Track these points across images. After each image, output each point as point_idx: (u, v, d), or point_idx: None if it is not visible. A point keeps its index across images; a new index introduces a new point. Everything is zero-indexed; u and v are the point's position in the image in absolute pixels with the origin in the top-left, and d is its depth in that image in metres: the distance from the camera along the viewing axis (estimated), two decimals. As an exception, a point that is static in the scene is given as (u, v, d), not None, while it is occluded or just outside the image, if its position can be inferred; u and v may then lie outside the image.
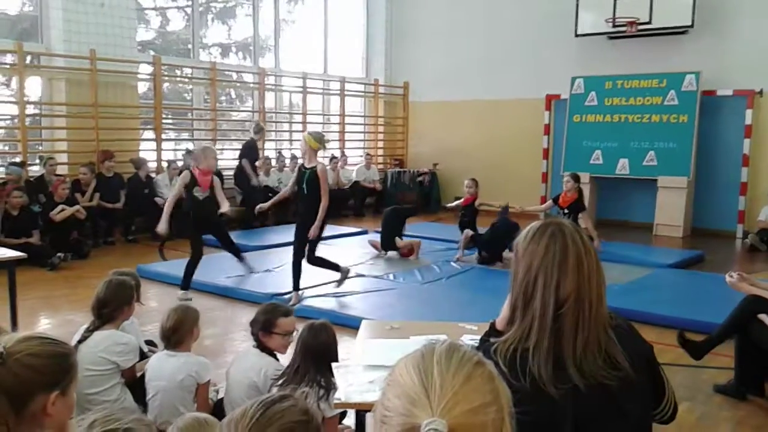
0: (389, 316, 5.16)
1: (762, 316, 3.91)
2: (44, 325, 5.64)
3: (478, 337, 2.10)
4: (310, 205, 6.00)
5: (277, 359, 3.33)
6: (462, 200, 8.66)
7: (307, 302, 6.00)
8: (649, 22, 10.73)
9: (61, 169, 9.05)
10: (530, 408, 1.58)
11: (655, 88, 10.95)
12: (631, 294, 6.18)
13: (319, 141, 6.06)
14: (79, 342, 3.42)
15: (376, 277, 7.18)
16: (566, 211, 8.25)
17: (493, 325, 2.07)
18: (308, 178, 5.96)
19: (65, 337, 3.61)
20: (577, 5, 11.45)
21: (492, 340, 1.87)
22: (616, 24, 10.98)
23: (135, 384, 3.48)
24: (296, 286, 6.17)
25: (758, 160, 10.41)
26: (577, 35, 11.58)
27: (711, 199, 10.76)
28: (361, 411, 2.72)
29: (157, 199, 9.37)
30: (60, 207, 8.10)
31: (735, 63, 10.46)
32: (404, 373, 1.06)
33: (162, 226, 6.28)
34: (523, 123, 12.53)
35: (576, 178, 8.40)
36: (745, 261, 8.86)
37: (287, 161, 11.77)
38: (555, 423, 1.71)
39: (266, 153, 11.84)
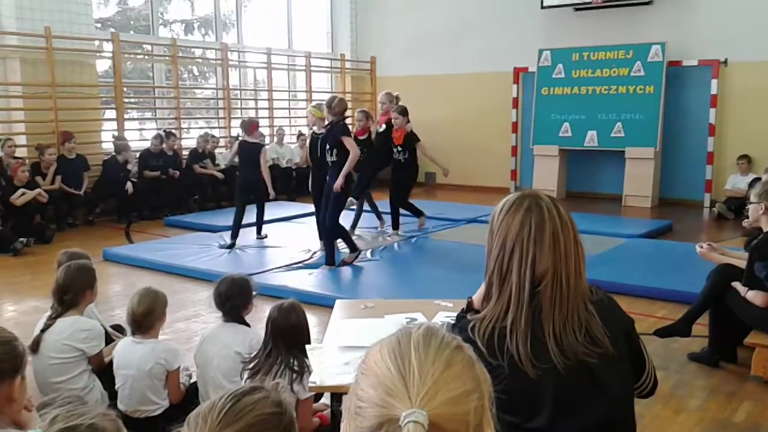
0: (362, 294, 5.10)
1: (735, 284, 3.93)
2: (9, 313, 5.48)
3: (454, 314, 2.06)
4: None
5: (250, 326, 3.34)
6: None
7: (278, 281, 5.91)
8: (614, -7, 10.72)
9: (19, 152, 8.76)
10: (509, 387, 1.55)
11: (621, 60, 10.94)
12: (603, 265, 6.19)
13: (320, 109, 6.85)
14: (43, 330, 3.32)
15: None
16: (400, 147, 8.00)
17: (470, 303, 2.03)
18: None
19: (31, 324, 3.51)
20: (544, -24, 11.37)
21: (469, 317, 1.82)
22: (582, -5, 10.94)
23: (104, 371, 3.39)
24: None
25: (724, 129, 10.50)
26: (543, 7, 11.50)
27: (678, 169, 10.84)
28: (337, 394, 2.66)
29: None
30: (20, 191, 7.86)
31: (699, 33, 10.48)
32: (379, 361, 1.00)
33: None
34: (491, 96, 12.47)
35: (401, 112, 8.18)
36: (712, 229, 8.96)
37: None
38: (534, 402, 1.68)
39: (232, 132, 11.63)
